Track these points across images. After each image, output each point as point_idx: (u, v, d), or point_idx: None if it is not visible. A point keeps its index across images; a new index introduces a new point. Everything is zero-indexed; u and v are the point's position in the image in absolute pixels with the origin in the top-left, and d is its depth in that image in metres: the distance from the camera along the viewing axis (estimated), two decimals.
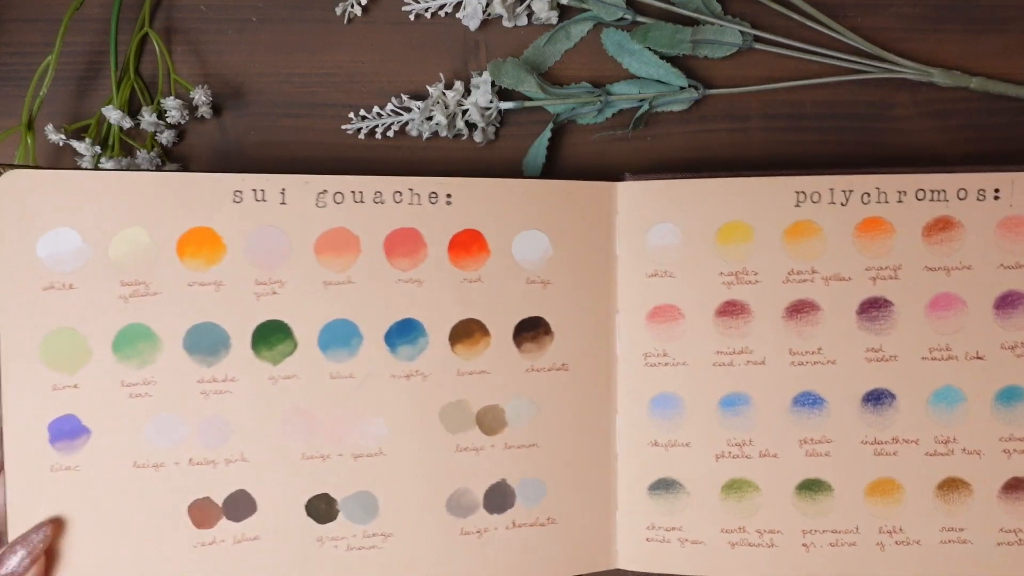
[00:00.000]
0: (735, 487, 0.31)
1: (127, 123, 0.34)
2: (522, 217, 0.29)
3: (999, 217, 0.31)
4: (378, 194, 0.28)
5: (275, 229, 0.28)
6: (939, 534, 0.31)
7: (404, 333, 0.29)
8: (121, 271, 0.27)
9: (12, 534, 0.26)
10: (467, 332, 0.29)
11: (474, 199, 0.29)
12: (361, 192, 0.28)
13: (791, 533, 0.31)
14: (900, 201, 0.31)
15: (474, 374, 0.29)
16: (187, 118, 0.35)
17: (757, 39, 0.35)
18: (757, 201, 0.32)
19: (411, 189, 0.28)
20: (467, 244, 0.29)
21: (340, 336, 0.28)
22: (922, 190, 0.31)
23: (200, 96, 0.35)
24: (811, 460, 0.31)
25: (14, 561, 0.25)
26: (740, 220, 0.32)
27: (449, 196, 0.29)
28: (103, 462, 0.27)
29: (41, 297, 0.26)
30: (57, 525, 0.26)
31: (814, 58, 0.35)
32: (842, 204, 0.32)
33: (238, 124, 0.36)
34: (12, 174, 0.25)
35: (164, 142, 0.35)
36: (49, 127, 0.34)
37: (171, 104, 0.34)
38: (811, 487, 0.32)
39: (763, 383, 0.31)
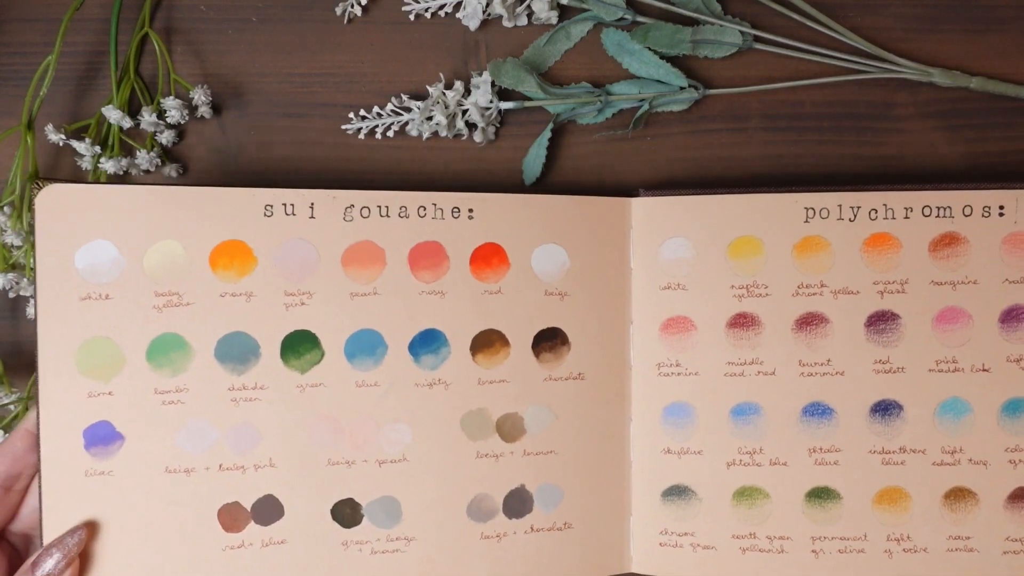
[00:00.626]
0: (746, 494, 0.39)
1: (127, 123, 0.41)
2: (541, 231, 0.37)
3: (1004, 233, 0.38)
4: (403, 208, 0.35)
5: (304, 242, 0.35)
6: (946, 542, 0.39)
7: (427, 343, 0.36)
8: (155, 282, 0.34)
9: (47, 537, 0.33)
10: (488, 342, 0.37)
11: (495, 214, 0.36)
12: (387, 207, 0.35)
13: (801, 539, 0.39)
14: (907, 217, 0.39)
15: (494, 383, 0.37)
16: (187, 118, 0.42)
17: (757, 39, 0.42)
18: (767, 217, 0.39)
19: (435, 204, 0.36)
20: (488, 257, 0.37)
21: (366, 346, 0.35)
22: (928, 207, 0.39)
23: (200, 96, 0.41)
24: (820, 469, 0.39)
25: (50, 564, 0.32)
26: (751, 235, 0.39)
27: (471, 211, 0.36)
28: (136, 467, 0.33)
29: (78, 306, 0.33)
30: (91, 528, 0.33)
31: (814, 58, 0.42)
32: (850, 220, 0.39)
33: (238, 124, 0.43)
34: (51, 188, 0.32)
35: (164, 142, 0.42)
36: (49, 127, 0.40)
37: (171, 104, 0.41)
38: (820, 495, 0.39)
39: (773, 393, 0.39)
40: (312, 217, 0.35)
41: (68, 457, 0.33)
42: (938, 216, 0.38)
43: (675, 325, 0.39)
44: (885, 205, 0.39)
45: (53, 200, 0.32)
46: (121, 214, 0.33)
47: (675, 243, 0.39)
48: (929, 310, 0.39)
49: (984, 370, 0.38)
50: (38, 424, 0.33)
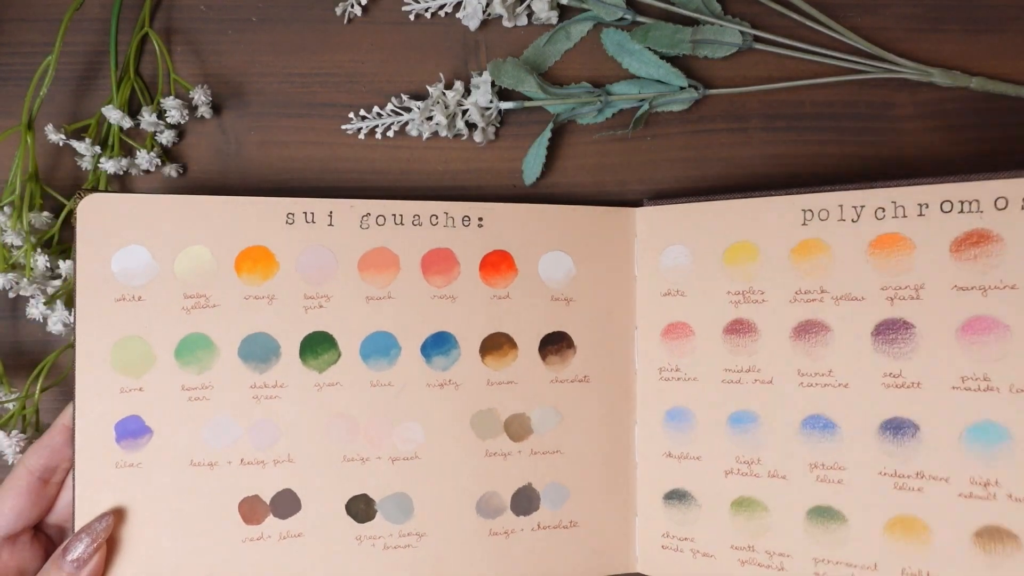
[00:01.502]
0: (744, 504, 0.49)
1: (127, 123, 0.54)
2: (547, 239, 0.51)
3: None
4: (416, 217, 0.50)
5: (323, 248, 0.49)
6: None
7: (438, 345, 0.50)
8: (185, 285, 0.47)
9: (79, 525, 0.47)
10: (496, 345, 0.51)
11: (503, 222, 0.50)
12: (401, 215, 0.50)
13: (802, 559, 0.47)
14: (921, 215, 0.44)
15: (502, 384, 0.51)
16: (187, 118, 0.55)
17: (757, 39, 0.56)
18: (763, 221, 0.49)
19: (446, 212, 0.50)
20: (497, 263, 0.51)
21: (380, 347, 0.49)
22: (948, 201, 0.44)
23: (200, 96, 0.55)
24: (823, 486, 0.47)
25: (80, 548, 0.46)
26: (746, 240, 0.49)
27: (481, 219, 0.50)
28: (163, 460, 0.47)
29: (113, 307, 0.46)
30: (118, 516, 0.46)
31: (814, 58, 0.56)
32: (853, 221, 0.46)
33: (238, 124, 0.57)
34: (91, 198, 0.47)
35: (164, 142, 0.55)
36: (49, 127, 0.53)
37: (171, 104, 0.55)
38: (823, 514, 0.47)
39: (771, 402, 0.48)
40: (331, 225, 0.49)
41: (100, 449, 0.46)
42: (962, 211, 0.44)
43: (675, 331, 0.52)
44: (894, 202, 0.46)
45: (94, 208, 0.46)
46: (154, 221, 0.47)
47: (674, 250, 0.52)
48: (952, 319, 0.44)
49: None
50: (74, 418, 0.47)
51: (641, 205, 0.53)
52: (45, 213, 0.54)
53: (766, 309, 0.50)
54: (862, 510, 0.47)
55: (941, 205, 0.45)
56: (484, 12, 0.55)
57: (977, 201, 0.44)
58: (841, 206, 0.47)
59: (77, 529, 0.46)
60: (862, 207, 0.47)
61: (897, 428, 0.46)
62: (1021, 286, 0.43)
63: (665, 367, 0.52)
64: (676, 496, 0.52)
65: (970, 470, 0.44)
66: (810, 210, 0.48)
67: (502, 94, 0.56)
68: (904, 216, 0.46)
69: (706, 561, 0.51)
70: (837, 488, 0.47)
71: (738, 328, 0.51)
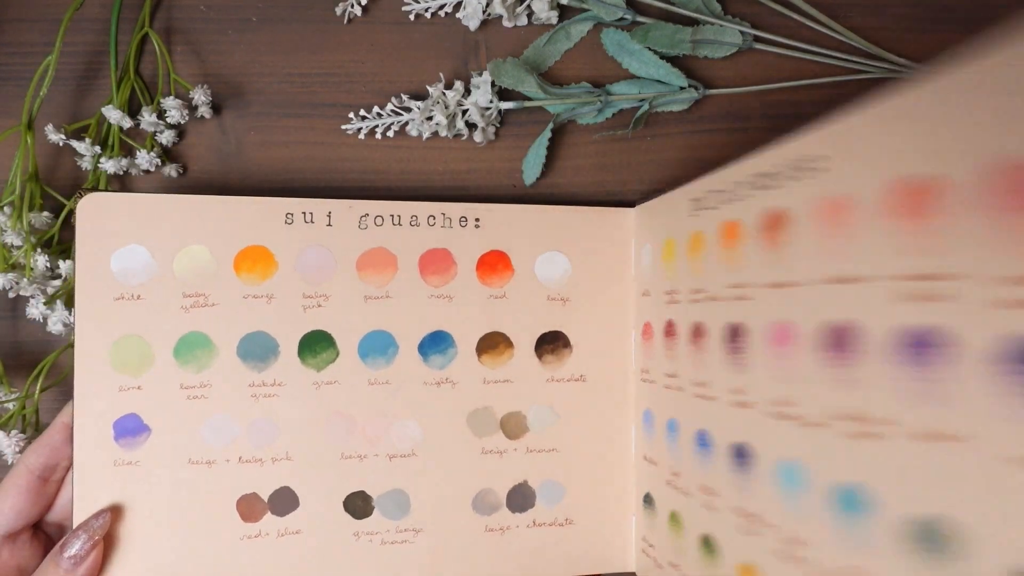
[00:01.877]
0: (675, 520, 0.46)
1: (127, 123, 0.54)
2: (544, 239, 0.51)
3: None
4: (414, 217, 0.50)
5: (322, 248, 0.49)
6: None
7: (436, 344, 0.50)
8: (184, 284, 0.47)
9: (77, 522, 0.47)
10: (493, 344, 0.51)
11: (500, 223, 0.51)
12: (399, 215, 0.50)
13: None
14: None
15: (499, 382, 0.51)
16: (187, 118, 0.56)
17: (757, 39, 0.56)
18: (673, 216, 0.45)
19: (443, 213, 0.50)
20: (494, 263, 0.51)
21: (378, 346, 0.50)
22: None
23: (200, 96, 0.55)
24: (708, 513, 0.41)
25: (77, 545, 0.46)
26: (671, 237, 0.46)
27: (478, 220, 0.50)
28: (161, 458, 0.47)
29: (112, 307, 0.47)
30: (116, 514, 0.47)
31: (814, 58, 0.56)
32: (714, 208, 0.40)
33: (238, 124, 0.57)
34: (91, 197, 0.47)
35: (164, 142, 0.56)
36: (49, 127, 0.53)
37: (171, 104, 0.55)
38: (708, 545, 0.41)
39: (683, 412, 0.44)
40: (329, 225, 0.49)
41: (99, 447, 0.47)
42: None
43: (646, 331, 0.51)
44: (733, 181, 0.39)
45: (93, 207, 0.47)
46: (153, 221, 0.47)
47: (645, 250, 0.51)
48: (766, 322, 0.36)
49: (818, 424, 0.32)
50: (73, 416, 0.47)
51: (635, 205, 0.54)
52: (45, 213, 0.54)
53: (679, 310, 0.46)
54: (726, 548, 0.39)
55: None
56: (484, 12, 0.56)
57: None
58: (722, 191, 0.40)
59: (75, 526, 0.46)
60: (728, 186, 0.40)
61: (740, 455, 0.38)
62: (804, 283, 0.33)
63: (643, 368, 0.52)
64: (647, 501, 0.52)
65: (786, 521, 0.34)
66: (697, 199, 0.43)
67: (502, 94, 0.56)
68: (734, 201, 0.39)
69: (662, 572, 0.48)
70: (716, 516, 0.40)
71: (671, 330, 0.47)
